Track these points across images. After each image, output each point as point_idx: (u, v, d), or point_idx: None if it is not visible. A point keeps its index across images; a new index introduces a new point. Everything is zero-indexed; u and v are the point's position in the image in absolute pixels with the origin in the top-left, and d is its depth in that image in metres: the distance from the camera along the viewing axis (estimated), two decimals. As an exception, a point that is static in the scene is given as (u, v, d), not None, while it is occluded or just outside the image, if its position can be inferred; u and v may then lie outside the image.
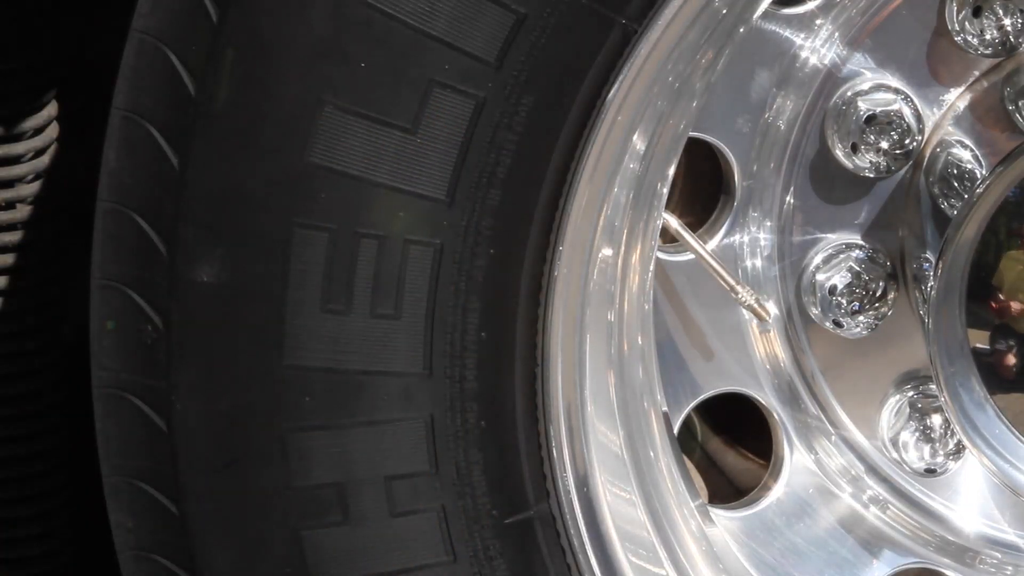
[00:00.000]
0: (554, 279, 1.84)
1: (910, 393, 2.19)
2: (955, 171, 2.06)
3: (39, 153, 2.03)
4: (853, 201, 2.11)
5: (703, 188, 2.14)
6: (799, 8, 2.04)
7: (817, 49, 2.04)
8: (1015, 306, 1.99)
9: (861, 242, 2.11)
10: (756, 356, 2.15)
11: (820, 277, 2.11)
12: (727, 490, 2.31)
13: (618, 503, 1.98)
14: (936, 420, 2.19)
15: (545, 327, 1.86)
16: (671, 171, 1.94)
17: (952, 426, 2.10)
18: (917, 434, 2.20)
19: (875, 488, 2.22)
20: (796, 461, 2.21)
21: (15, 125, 2.01)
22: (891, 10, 2.04)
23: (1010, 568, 2.25)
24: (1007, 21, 2.03)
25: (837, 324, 2.11)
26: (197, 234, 1.76)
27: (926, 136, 2.07)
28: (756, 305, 2.03)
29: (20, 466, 2.13)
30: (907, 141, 2.05)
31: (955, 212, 2.01)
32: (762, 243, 2.12)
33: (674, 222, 2.02)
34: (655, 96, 1.84)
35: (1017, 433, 2.05)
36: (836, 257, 2.11)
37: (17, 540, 2.15)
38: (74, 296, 1.99)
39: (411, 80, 1.72)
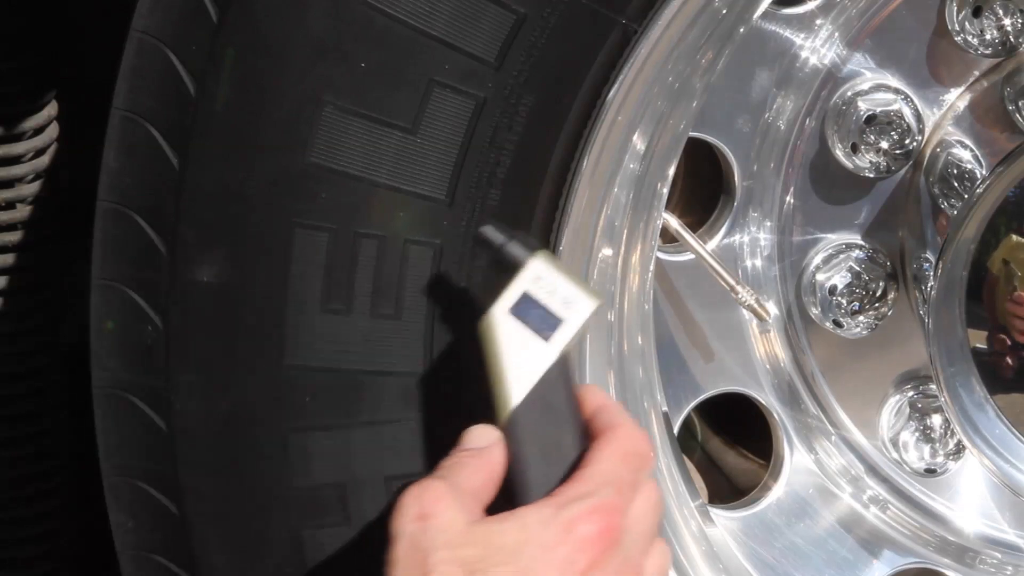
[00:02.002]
0: (554, 279, 1.84)
1: (910, 393, 2.19)
2: (955, 171, 2.05)
3: (39, 153, 2.03)
4: (853, 201, 2.10)
5: (703, 188, 2.14)
6: (799, 8, 2.04)
7: (817, 49, 2.04)
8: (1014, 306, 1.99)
9: (861, 242, 2.11)
10: (756, 356, 2.15)
11: (820, 277, 2.11)
12: (727, 490, 2.31)
13: (618, 503, 1.98)
14: (936, 420, 2.19)
15: (545, 327, 1.85)
16: (671, 171, 1.94)
17: (952, 426, 2.10)
18: (917, 434, 2.20)
19: (875, 488, 2.22)
20: (796, 461, 2.21)
21: (15, 125, 2.01)
22: (891, 10, 2.03)
23: (1010, 568, 2.25)
24: (1007, 21, 2.02)
25: (837, 324, 2.11)
26: (197, 234, 1.76)
27: (926, 136, 2.07)
28: (756, 305, 2.03)
29: (20, 466, 2.13)
30: (907, 141, 2.05)
31: (955, 212, 2.01)
32: (762, 243, 2.12)
33: (674, 222, 2.02)
34: (655, 96, 1.84)
35: (1017, 433, 2.05)
36: (836, 257, 2.11)
37: (18, 540, 2.15)
38: (74, 296, 1.99)
39: (411, 80, 1.72)
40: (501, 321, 1.56)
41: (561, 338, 1.57)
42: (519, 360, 1.56)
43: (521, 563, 1.46)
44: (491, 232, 1.61)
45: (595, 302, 1.60)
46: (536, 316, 1.56)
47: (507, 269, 1.60)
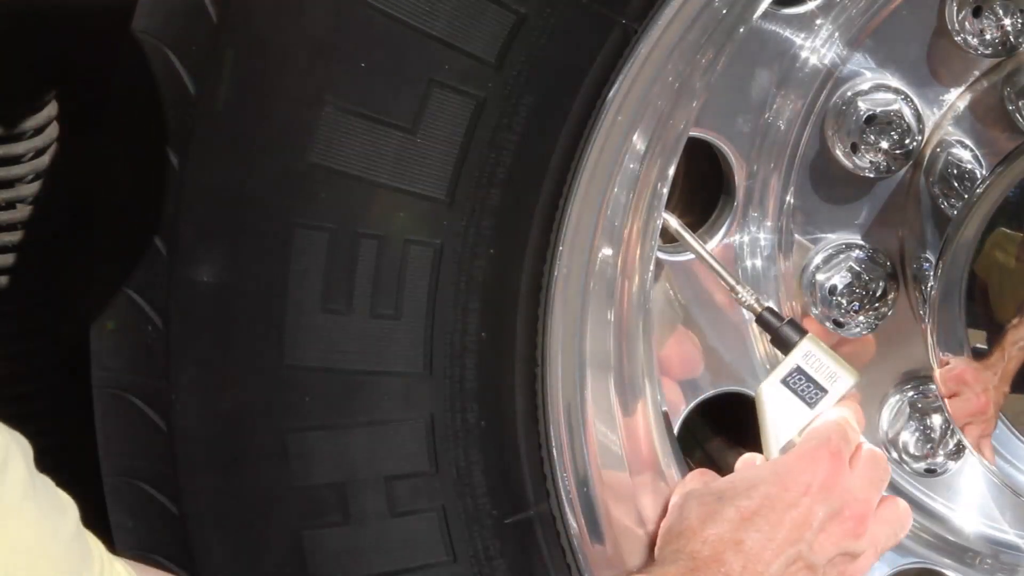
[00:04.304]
0: (554, 279, 1.84)
1: (910, 393, 2.19)
2: (955, 171, 2.05)
3: (39, 153, 2.03)
4: (853, 201, 2.10)
5: (703, 188, 2.14)
6: (799, 8, 2.04)
7: (817, 49, 2.04)
8: (1013, 306, 1.99)
9: (861, 242, 2.11)
10: (756, 356, 2.15)
11: (820, 277, 2.11)
12: (727, 490, 2.30)
13: (618, 503, 1.99)
14: (936, 420, 2.19)
15: (545, 327, 1.86)
16: (671, 171, 1.94)
17: (952, 426, 2.10)
18: (917, 434, 2.20)
19: (875, 488, 2.22)
20: (796, 461, 2.20)
21: (15, 125, 2.00)
22: (891, 10, 2.03)
23: (1010, 568, 2.25)
24: (1007, 21, 2.02)
25: (837, 324, 2.11)
26: (197, 234, 1.76)
27: (926, 136, 2.07)
28: (756, 305, 2.03)
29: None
30: (907, 141, 2.05)
31: (955, 212, 2.01)
32: (762, 243, 2.12)
33: (674, 222, 2.02)
34: (655, 96, 1.84)
35: (1017, 433, 2.05)
36: (836, 257, 2.11)
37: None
38: (74, 296, 1.99)
39: (411, 80, 1.72)
40: (776, 388, 1.98)
41: (824, 405, 1.97)
42: (784, 421, 1.97)
43: (759, 491, 1.88)
44: (769, 316, 1.99)
45: (854, 378, 1.98)
46: (804, 386, 1.97)
47: (782, 345, 1.99)
